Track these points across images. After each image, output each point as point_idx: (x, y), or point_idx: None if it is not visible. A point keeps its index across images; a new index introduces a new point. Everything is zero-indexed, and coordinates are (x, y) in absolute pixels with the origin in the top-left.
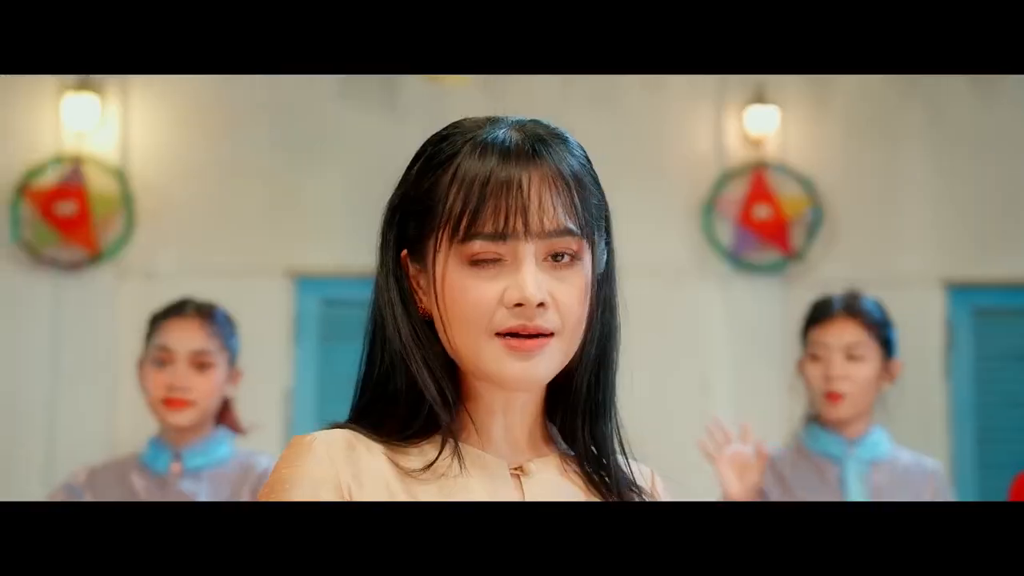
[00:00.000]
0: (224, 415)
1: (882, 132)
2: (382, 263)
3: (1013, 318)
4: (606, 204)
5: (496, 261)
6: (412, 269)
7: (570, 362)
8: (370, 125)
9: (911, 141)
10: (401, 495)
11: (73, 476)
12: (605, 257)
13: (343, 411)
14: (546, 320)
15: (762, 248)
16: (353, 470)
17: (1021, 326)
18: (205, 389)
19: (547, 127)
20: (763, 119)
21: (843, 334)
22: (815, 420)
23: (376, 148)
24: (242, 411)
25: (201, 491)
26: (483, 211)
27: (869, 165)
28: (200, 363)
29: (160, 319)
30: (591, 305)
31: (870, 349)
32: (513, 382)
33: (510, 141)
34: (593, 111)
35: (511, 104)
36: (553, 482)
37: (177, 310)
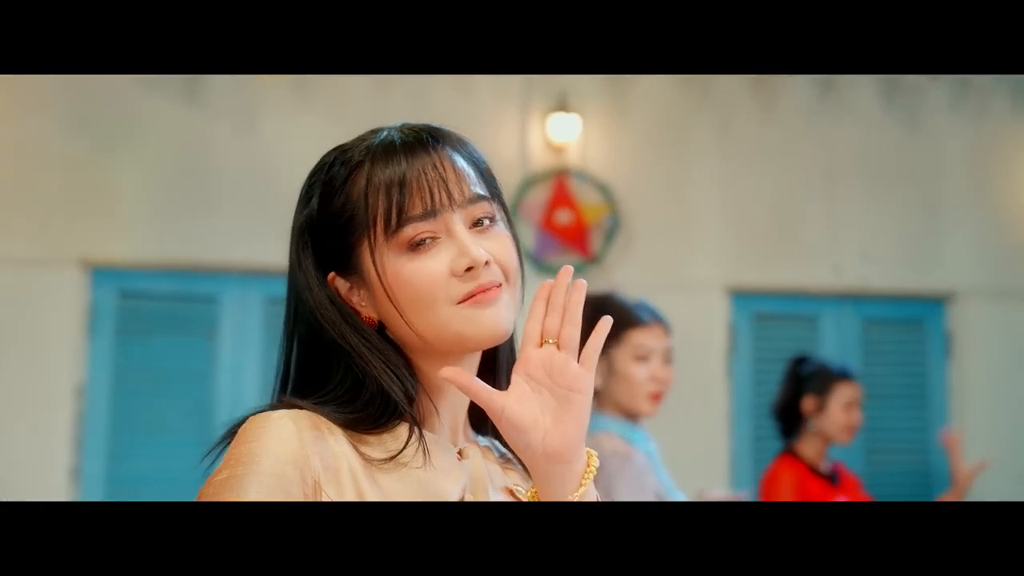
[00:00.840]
0: None
1: (675, 141)
2: (308, 287)
3: (789, 323)
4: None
5: (432, 240)
6: (344, 286)
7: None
8: (172, 116)
9: (701, 150)
10: (365, 482)
11: None
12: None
13: (139, 405)
14: (493, 275)
15: (563, 252)
16: (320, 453)
17: (797, 331)
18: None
19: (421, 123)
20: (565, 126)
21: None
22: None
23: (177, 139)
24: (33, 405)
25: None
26: (409, 197)
27: (662, 173)
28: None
29: None
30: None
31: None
32: (488, 333)
33: (408, 136)
34: (405, 112)
35: (322, 103)
36: (482, 465)
37: None
